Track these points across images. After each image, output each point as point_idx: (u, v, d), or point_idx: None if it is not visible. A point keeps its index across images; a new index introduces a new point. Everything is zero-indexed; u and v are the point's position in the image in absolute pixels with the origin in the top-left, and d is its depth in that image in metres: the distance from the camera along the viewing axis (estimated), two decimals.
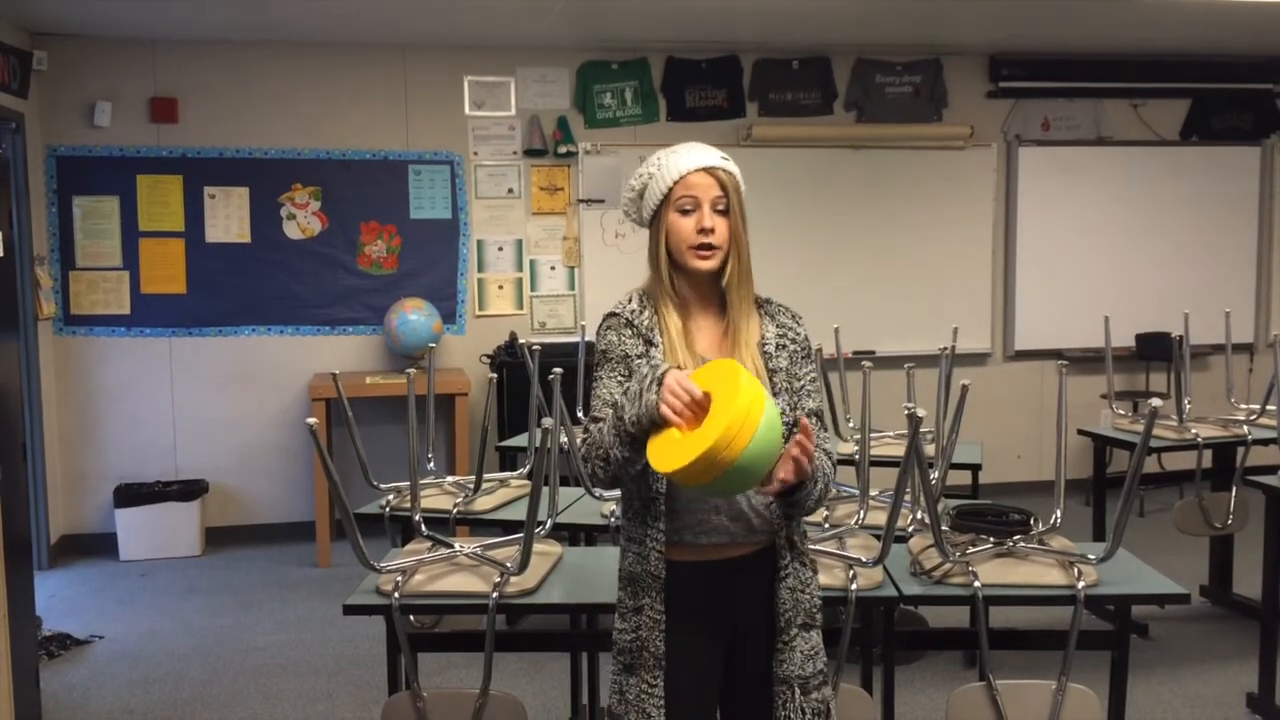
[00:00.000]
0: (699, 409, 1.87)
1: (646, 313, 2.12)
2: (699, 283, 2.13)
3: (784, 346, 2.14)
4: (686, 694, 2.09)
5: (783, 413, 2.06)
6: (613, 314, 2.15)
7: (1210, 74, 6.96)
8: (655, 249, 2.13)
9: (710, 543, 2.08)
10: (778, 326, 2.16)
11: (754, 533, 2.09)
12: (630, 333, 2.11)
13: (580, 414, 3.88)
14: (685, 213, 2.09)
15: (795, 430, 1.98)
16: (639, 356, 2.08)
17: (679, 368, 1.99)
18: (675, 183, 2.09)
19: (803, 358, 2.17)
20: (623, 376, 2.08)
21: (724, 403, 1.84)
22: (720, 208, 2.09)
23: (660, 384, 1.90)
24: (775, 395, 2.07)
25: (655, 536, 2.07)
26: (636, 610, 2.09)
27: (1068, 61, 6.79)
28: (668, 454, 1.87)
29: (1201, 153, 7.13)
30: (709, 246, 2.07)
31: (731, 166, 2.14)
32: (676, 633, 2.08)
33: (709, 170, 2.10)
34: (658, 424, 1.90)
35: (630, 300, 2.16)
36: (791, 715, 2.08)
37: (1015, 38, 6.40)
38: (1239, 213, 7.21)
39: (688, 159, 2.11)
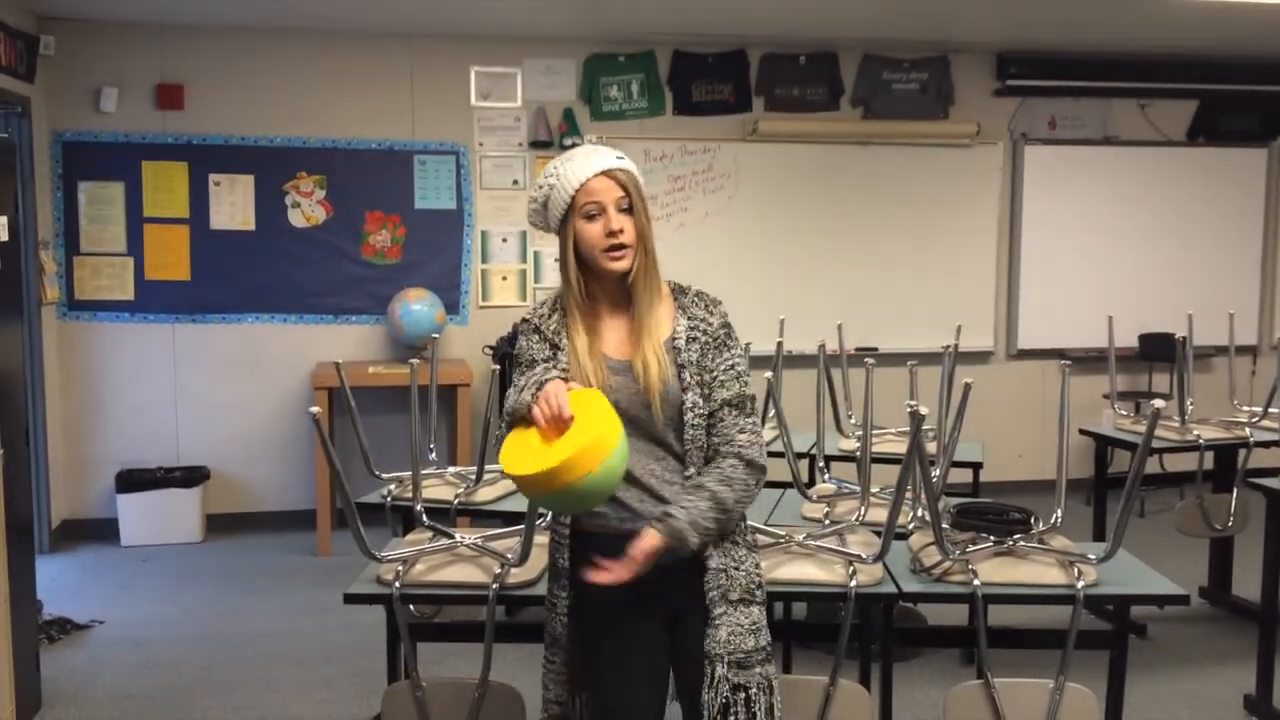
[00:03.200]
0: (561, 426, 2.00)
1: (555, 318, 2.21)
2: (609, 283, 2.18)
3: (694, 340, 2.18)
4: (618, 670, 2.17)
5: (693, 406, 2.14)
6: (525, 320, 2.27)
7: (1218, 75, 6.94)
8: (564, 256, 2.17)
9: (628, 526, 2.13)
10: (689, 319, 2.20)
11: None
12: (538, 338, 2.21)
13: None
14: (591, 218, 2.13)
15: (711, 421, 2.15)
16: (544, 361, 2.16)
17: (565, 379, 2.09)
18: (577, 190, 2.12)
19: (716, 348, 2.19)
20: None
21: (579, 430, 1.98)
22: (624, 207, 2.14)
23: (540, 388, 2.03)
24: (684, 390, 2.14)
25: (560, 531, 2.23)
26: (551, 596, 2.26)
27: (1075, 60, 6.77)
28: (517, 458, 2.02)
29: (1208, 154, 7.12)
30: (620, 246, 2.13)
31: (629, 165, 2.18)
32: (597, 614, 2.18)
33: (607, 173, 2.13)
34: (526, 421, 2.05)
35: (544, 305, 2.25)
36: (720, 690, 2.13)
37: (1023, 36, 6.38)
38: (1245, 214, 7.19)
39: (585, 165, 2.14)
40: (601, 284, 2.18)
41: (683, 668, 2.20)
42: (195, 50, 5.97)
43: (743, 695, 2.14)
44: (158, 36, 5.92)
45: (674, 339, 2.18)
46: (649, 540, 2.04)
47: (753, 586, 2.19)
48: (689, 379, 2.15)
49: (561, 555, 2.22)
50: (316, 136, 6.12)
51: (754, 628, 2.17)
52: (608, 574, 2.03)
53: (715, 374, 2.18)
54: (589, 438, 1.96)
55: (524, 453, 2.01)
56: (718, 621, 2.14)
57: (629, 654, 2.18)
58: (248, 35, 6.00)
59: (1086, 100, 6.92)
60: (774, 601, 2.74)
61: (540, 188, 2.18)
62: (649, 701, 2.19)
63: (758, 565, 2.24)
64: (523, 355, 2.20)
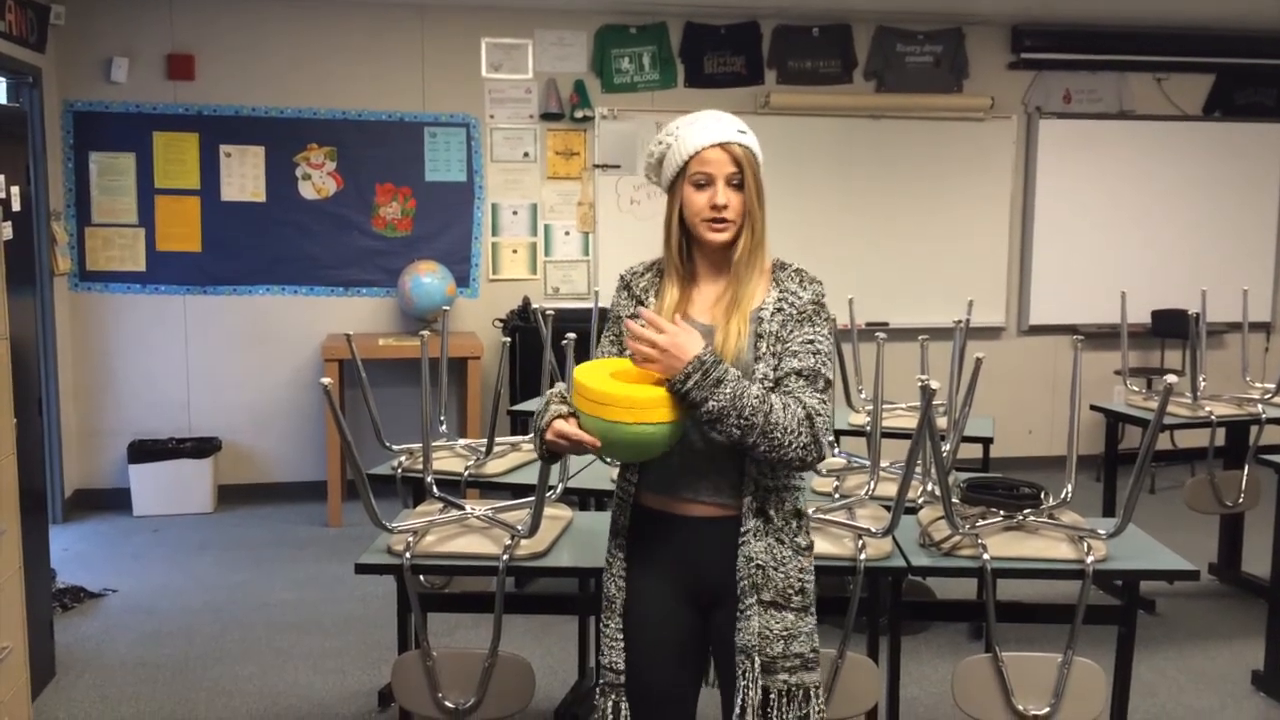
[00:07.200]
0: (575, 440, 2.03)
1: (648, 276, 2.23)
2: (711, 251, 2.15)
3: (780, 311, 2.11)
4: (648, 636, 2.15)
5: (763, 378, 2.07)
6: (621, 275, 2.28)
7: (1235, 48, 6.86)
8: (669, 217, 2.16)
9: (680, 496, 2.13)
10: (780, 292, 2.14)
11: (724, 496, 2.11)
12: (625, 295, 2.24)
13: None
14: (700, 187, 2.10)
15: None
16: (630, 318, 2.15)
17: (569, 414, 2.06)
18: (690, 158, 2.10)
19: (798, 321, 2.10)
20: (614, 335, 2.23)
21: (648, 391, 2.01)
22: (734, 183, 2.10)
23: (543, 435, 2.06)
24: (758, 359, 2.08)
25: (626, 489, 2.19)
26: (609, 555, 2.22)
27: (1091, 33, 6.70)
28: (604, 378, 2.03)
29: (1224, 129, 7.06)
30: (722, 220, 2.10)
31: (748, 140, 2.13)
32: (639, 578, 2.16)
33: (724, 146, 2.10)
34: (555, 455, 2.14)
35: (641, 264, 2.27)
36: (749, 688, 2.06)
37: (1038, 8, 6.32)
38: (1260, 190, 7.14)
39: (703, 134, 2.11)
40: (703, 250, 2.16)
41: (719, 656, 2.18)
42: (206, 20, 5.95)
43: (772, 697, 2.07)
44: (168, 6, 5.90)
45: (760, 309, 2.11)
46: (690, 334, 2.00)
47: (790, 591, 2.09)
48: (765, 349, 2.09)
49: (623, 514, 2.19)
50: (327, 108, 6.10)
51: (785, 633, 2.08)
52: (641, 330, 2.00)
53: (789, 344, 2.09)
54: (652, 397, 1.98)
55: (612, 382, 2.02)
56: (748, 613, 2.07)
57: (664, 632, 2.15)
58: (258, 5, 5.98)
59: (1102, 74, 6.86)
60: None
61: (659, 143, 2.16)
62: (678, 683, 2.17)
63: (803, 570, 2.12)
64: (612, 311, 2.26)
